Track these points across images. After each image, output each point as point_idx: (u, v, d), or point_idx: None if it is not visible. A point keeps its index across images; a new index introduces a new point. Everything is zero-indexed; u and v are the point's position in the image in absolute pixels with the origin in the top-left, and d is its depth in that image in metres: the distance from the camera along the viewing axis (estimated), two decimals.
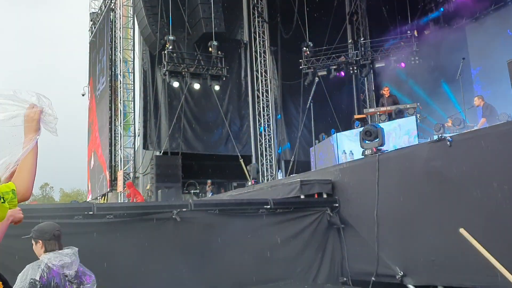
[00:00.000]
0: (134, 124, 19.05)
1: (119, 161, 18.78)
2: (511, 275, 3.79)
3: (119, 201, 16.76)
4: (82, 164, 27.73)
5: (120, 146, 18.92)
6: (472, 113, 10.52)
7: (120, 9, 20.02)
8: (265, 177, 17.37)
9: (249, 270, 5.21)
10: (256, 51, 18.80)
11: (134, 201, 14.79)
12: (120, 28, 19.79)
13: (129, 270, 4.41)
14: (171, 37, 15.80)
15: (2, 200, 1.70)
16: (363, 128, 7.07)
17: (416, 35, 16.00)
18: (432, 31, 16.03)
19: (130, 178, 17.95)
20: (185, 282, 4.77)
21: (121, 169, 18.32)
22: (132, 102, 19.33)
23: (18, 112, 1.86)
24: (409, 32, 16.19)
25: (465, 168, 4.60)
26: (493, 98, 10.70)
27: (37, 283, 2.78)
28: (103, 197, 20.56)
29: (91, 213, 4.36)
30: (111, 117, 19.94)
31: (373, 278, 5.53)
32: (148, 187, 15.65)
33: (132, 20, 19.58)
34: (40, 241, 3.08)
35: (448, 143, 4.74)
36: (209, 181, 16.06)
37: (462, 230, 3.44)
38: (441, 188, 4.83)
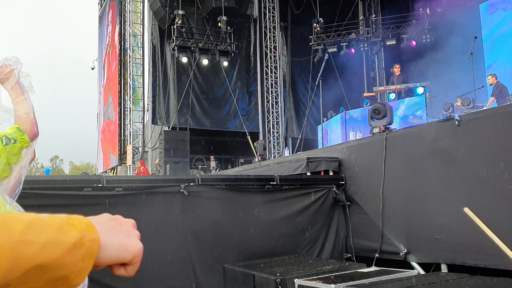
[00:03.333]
0: (143, 99, 19.10)
1: (129, 135, 18.92)
2: None
3: (129, 174, 16.96)
4: (92, 138, 27.96)
5: (130, 121, 19.02)
6: (482, 92, 10.42)
7: None
8: (272, 154, 17.43)
9: (254, 244, 5.30)
10: (265, 27, 18.64)
11: None
12: (129, 1, 19.66)
13: None
14: (180, 12, 15.71)
15: (13, 141, 1.81)
16: (371, 106, 7.04)
17: (428, 12, 15.76)
18: (445, 8, 15.75)
19: (139, 152, 18.10)
20: (191, 254, 4.87)
21: (130, 143, 18.47)
22: (141, 77, 19.34)
23: None
24: (421, 9, 15.94)
25: (472, 148, 4.60)
26: (504, 78, 10.58)
27: None
28: (112, 171, 20.79)
29: (100, 185, 4.44)
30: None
31: (377, 255, 5.60)
32: (156, 162, 15.79)
33: None
34: None
35: (456, 122, 4.73)
36: (212, 157, 16.12)
37: (466, 209, 3.47)
38: (448, 167, 4.84)
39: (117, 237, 0.72)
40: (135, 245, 0.74)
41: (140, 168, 16.08)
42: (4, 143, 1.79)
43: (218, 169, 15.12)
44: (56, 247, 0.62)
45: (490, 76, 10.29)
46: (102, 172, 22.94)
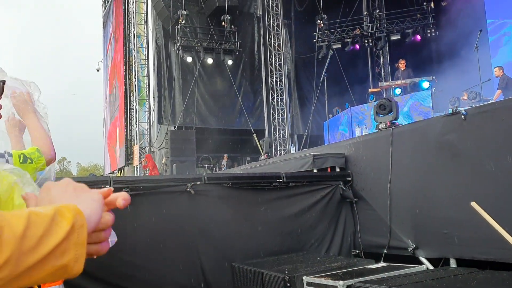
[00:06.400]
0: (149, 99, 19.15)
1: (135, 136, 18.99)
2: None
3: (135, 175, 17.02)
4: (99, 139, 28.10)
5: (136, 121, 19.08)
6: (489, 86, 10.36)
7: None
8: (278, 152, 17.42)
9: (262, 242, 5.30)
10: (269, 25, 18.62)
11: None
12: (133, 2, 19.70)
13: (144, 242, 4.52)
14: (184, 12, 15.74)
15: (29, 161, 1.84)
16: (377, 102, 7.02)
17: (432, 6, 15.68)
18: (449, 2, 15.66)
19: (146, 152, 18.16)
20: (199, 253, 4.88)
21: (136, 144, 18.54)
22: (147, 77, 19.39)
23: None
24: (425, 3, 15.86)
25: (479, 142, 4.57)
26: (510, 71, 10.52)
27: None
28: (119, 171, 20.88)
29: (108, 186, 4.46)
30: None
31: (385, 251, 5.59)
32: (163, 161, 15.85)
33: None
34: None
35: (462, 116, 4.70)
36: (225, 155, 16.20)
37: (473, 204, 3.45)
38: (455, 162, 4.82)
39: (89, 202, 0.77)
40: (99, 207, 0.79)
41: (145, 161, 16.20)
42: (21, 161, 1.82)
43: (224, 167, 15.16)
44: (53, 238, 0.65)
45: (497, 68, 10.24)
46: (110, 173, 23.04)
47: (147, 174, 16.06)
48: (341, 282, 3.82)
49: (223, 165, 15.69)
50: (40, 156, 1.92)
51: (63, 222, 0.67)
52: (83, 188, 0.81)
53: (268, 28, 18.62)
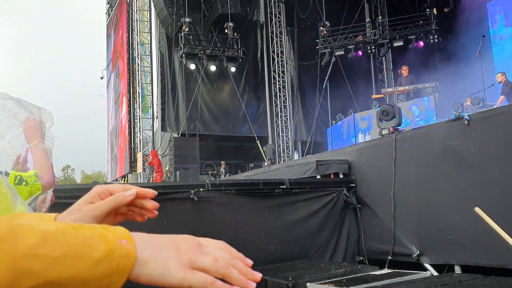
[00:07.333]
0: (152, 106, 19.21)
1: (139, 143, 19.03)
2: None
3: (139, 182, 17.04)
4: (102, 147, 28.19)
5: (139, 128, 19.14)
6: (492, 92, 10.35)
7: None
8: (282, 158, 17.41)
9: (265, 249, 5.29)
10: (272, 32, 18.68)
11: (154, 177, 15.16)
12: (136, 10, 19.82)
13: None
14: (187, 19, 15.82)
15: (24, 183, 1.84)
16: (380, 108, 7.03)
17: (435, 13, 15.71)
18: (452, 8, 15.68)
19: (150, 160, 18.21)
20: None
21: (140, 151, 18.57)
22: (150, 85, 19.47)
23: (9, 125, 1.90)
24: (428, 10, 15.89)
25: (483, 147, 4.57)
26: None
27: None
28: (123, 178, 20.91)
29: None
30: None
31: (389, 257, 5.57)
32: (167, 168, 15.86)
33: (148, 3, 19.61)
34: None
35: (465, 122, 4.70)
36: (223, 162, 16.19)
37: (477, 209, 3.43)
38: (458, 167, 4.81)
39: (164, 255, 0.63)
40: (179, 271, 0.62)
41: (150, 158, 16.26)
42: (16, 181, 1.83)
43: (228, 174, 15.15)
44: (74, 261, 0.56)
45: (499, 73, 10.22)
46: (113, 181, 23.06)
47: (152, 173, 16.10)
48: None
49: (222, 172, 15.64)
50: (36, 181, 1.92)
51: (100, 245, 0.57)
52: (193, 253, 0.66)
53: (271, 35, 18.67)
